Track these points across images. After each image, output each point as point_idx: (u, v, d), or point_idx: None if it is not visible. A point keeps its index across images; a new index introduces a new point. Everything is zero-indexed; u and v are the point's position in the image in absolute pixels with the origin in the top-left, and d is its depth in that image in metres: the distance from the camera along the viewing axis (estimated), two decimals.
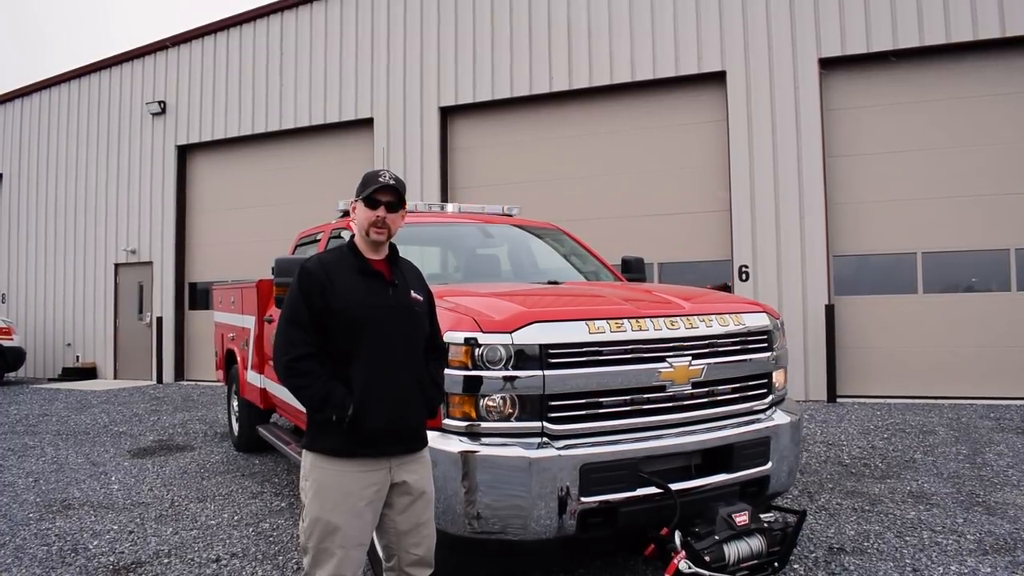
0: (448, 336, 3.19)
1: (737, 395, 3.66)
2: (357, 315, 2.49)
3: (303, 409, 2.59)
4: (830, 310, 9.66)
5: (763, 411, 3.79)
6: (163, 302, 14.52)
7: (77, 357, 15.47)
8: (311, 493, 2.49)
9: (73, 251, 15.69)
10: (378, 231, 2.58)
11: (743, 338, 3.72)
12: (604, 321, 3.35)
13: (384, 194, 2.58)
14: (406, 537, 2.60)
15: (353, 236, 2.70)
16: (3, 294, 16.81)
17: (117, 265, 15.13)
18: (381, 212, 2.58)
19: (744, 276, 10.07)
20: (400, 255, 2.74)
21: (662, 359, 3.39)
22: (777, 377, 3.91)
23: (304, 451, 2.57)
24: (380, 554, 3.26)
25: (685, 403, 3.47)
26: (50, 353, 15.92)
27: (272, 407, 6.32)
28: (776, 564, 3.31)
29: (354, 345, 2.49)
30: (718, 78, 10.40)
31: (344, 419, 2.43)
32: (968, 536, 4.27)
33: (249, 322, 6.65)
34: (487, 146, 12.08)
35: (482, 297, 3.71)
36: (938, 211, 9.47)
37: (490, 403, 3.17)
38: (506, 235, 5.67)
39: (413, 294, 2.66)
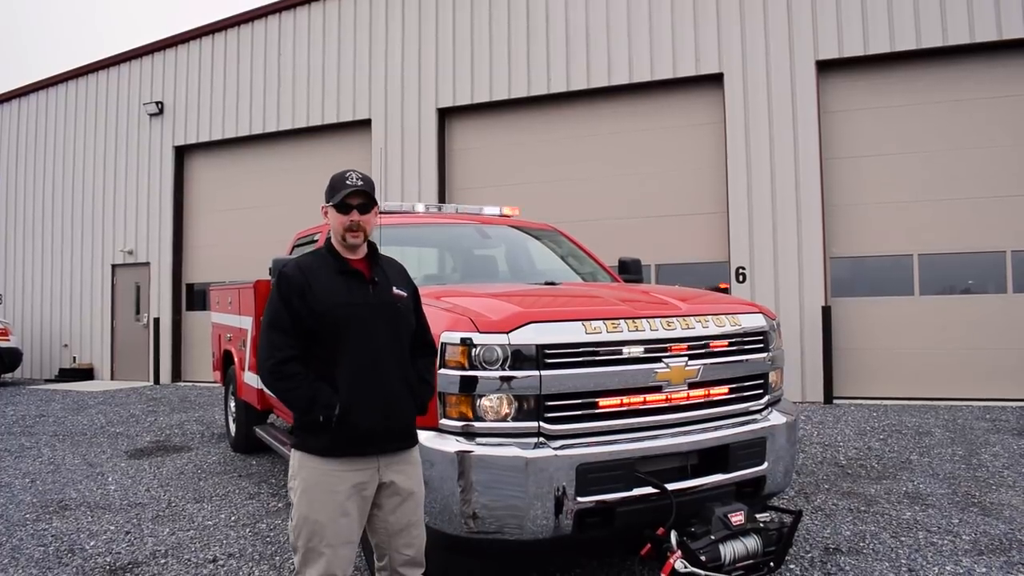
0: (445, 336, 3.20)
1: (733, 395, 3.67)
2: (339, 315, 2.49)
3: None
4: (827, 311, 9.68)
5: (759, 411, 3.79)
6: (160, 303, 14.51)
7: (74, 358, 15.45)
8: (299, 492, 2.50)
9: (70, 252, 15.67)
10: (353, 235, 2.59)
11: (739, 339, 3.72)
12: (601, 321, 3.36)
13: (355, 198, 2.59)
14: (397, 537, 2.60)
15: (330, 238, 2.70)
16: (0, 295, 16.78)
17: (114, 266, 15.11)
18: (354, 216, 2.58)
19: (741, 278, 10.08)
20: (380, 252, 2.73)
21: (658, 359, 3.40)
22: (773, 378, 3.93)
23: (292, 450, 2.58)
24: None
25: (681, 403, 3.48)
26: (47, 354, 15.89)
27: (269, 408, 6.32)
28: (772, 564, 3.32)
29: (338, 346, 2.49)
30: (715, 80, 10.42)
31: (331, 419, 2.43)
32: (964, 536, 4.29)
33: (246, 323, 6.64)
34: (485, 147, 12.09)
35: (479, 298, 3.71)
36: (935, 213, 9.50)
37: (487, 403, 3.17)
38: (503, 236, 5.68)
39: (395, 291, 2.66)
